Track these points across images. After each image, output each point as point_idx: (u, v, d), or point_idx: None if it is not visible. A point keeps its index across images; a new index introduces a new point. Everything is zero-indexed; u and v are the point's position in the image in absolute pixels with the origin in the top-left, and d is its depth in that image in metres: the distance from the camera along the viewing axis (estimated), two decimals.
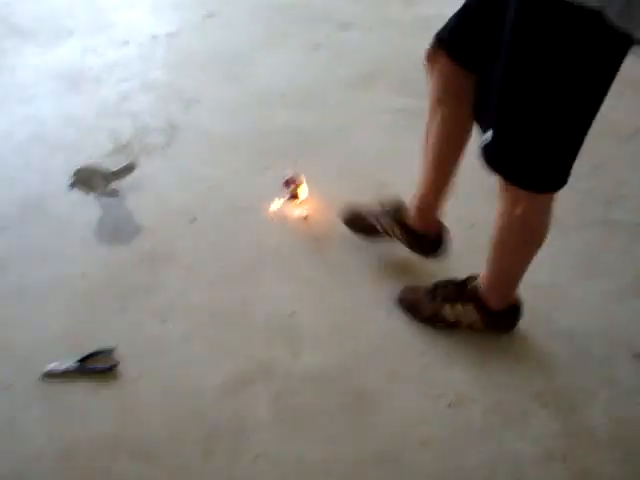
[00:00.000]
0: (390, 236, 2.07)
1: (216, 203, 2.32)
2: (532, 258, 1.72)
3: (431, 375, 1.79)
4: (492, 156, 1.54)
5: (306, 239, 2.20)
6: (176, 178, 2.43)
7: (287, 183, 2.31)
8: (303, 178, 2.31)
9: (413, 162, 2.44)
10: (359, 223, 2.14)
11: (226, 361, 1.81)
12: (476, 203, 2.30)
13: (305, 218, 2.28)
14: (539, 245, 1.69)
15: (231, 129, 2.68)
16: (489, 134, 1.51)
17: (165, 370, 1.78)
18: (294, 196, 2.30)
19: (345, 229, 2.17)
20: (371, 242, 2.15)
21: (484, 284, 1.81)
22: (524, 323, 1.89)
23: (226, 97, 2.88)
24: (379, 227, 2.08)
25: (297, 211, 2.28)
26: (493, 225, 1.69)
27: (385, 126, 2.71)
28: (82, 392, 1.72)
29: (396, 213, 2.04)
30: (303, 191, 2.31)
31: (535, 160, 1.50)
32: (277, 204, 2.29)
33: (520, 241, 1.68)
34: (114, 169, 2.43)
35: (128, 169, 2.43)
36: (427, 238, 2.02)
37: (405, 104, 2.80)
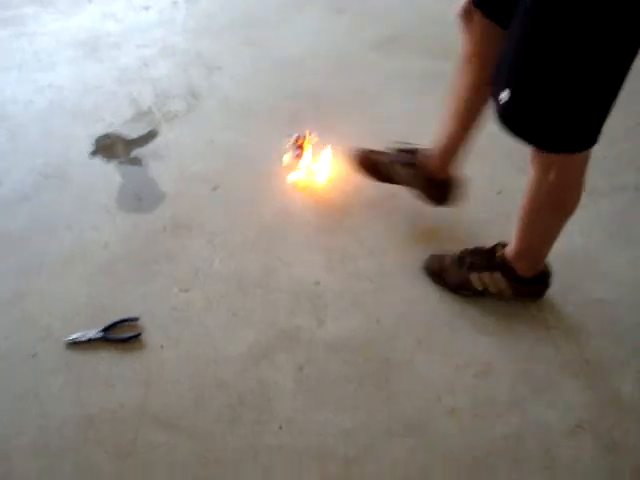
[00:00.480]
0: (400, 181, 2.06)
1: (238, 170, 2.29)
2: (563, 225, 1.68)
3: (457, 344, 1.77)
4: (508, 117, 1.48)
5: (330, 206, 2.16)
6: (197, 145, 2.40)
7: (297, 142, 2.27)
8: (312, 136, 2.27)
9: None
10: (370, 164, 2.12)
11: (250, 330, 1.79)
12: (504, 169, 2.27)
13: (319, 182, 2.24)
14: (571, 212, 1.64)
15: (252, 95, 2.64)
16: (505, 94, 1.45)
17: (189, 339, 1.77)
18: (300, 148, 2.25)
19: (370, 193, 2.14)
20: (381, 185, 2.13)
21: (513, 252, 1.77)
22: (553, 291, 1.85)
23: (247, 63, 2.83)
24: (391, 170, 2.06)
25: (317, 176, 2.24)
26: (524, 191, 1.64)
27: (410, 90, 2.65)
28: (106, 361, 1.72)
29: (412, 157, 2.01)
30: (309, 148, 2.26)
31: (555, 120, 1.43)
32: (287, 158, 2.25)
33: (552, 208, 1.63)
34: (135, 136, 2.42)
35: (149, 136, 2.41)
36: (440, 185, 2.00)
37: (430, 68, 2.74)
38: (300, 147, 2.24)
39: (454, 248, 1.93)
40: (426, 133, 2.31)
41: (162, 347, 1.75)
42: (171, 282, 1.91)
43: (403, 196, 2.17)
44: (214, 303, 1.86)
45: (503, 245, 1.82)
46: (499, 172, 2.26)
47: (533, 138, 1.49)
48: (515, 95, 1.44)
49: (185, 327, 1.80)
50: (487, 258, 1.83)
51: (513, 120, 1.48)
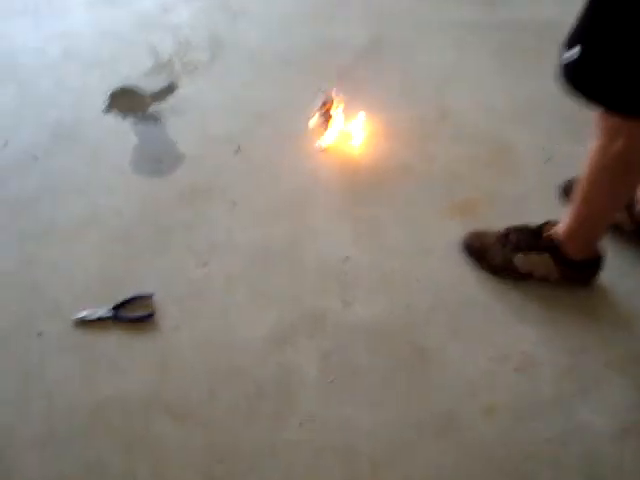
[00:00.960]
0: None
1: (263, 130, 2.13)
2: (624, 202, 1.51)
3: (497, 333, 1.62)
4: (577, 75, 1.31)
5: (361, 173, 1.99)
6: (220, 101, 2.24)
7: (324, 104, 2.10)
8: (341, 98, 2.09)
9: (482, 84, 2.24)
10: None
11: (272, 310, 1.66)
12: (553, 134, 2.08)
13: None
14: (635, 187, 1.48)
15: (281, 45, 2.45)
16: (575, 50, 1.28)
17: (206, 319, 1.65)
18: (327, 113, 2.08)
19: (404, 158, 1.97)
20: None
21: (565, 230, 1.61)
22: (604, 277, 1.68)
23: (276, 9, 2.64)
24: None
25: (348, 140, 2.07)
26: (585, 162, 1.47)
27: (451, 42, 2.44)
28: (116, 343, 1.60)
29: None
30: (338, 111, 2.08)
31: (630, 78, 1.26)
32: (314, 121, 2.09)
33: (614, 181, 1.45)
34: (153, 90, 2.25)
35: (169, 90, 2.26)
36: None
37: (473, 16, 2.53)
38: (327, 112, 2.07)
39: (497, 223, 1.77)
40: (469, 92, 2.14)
41: (176, 328, 1.63)
42: (188, 254, 1.78)
43: (441, 162, 2.00)
44: (234, 279, 1.73)
45: (553, 224, 1.65)
46: (548, 137, 2.07)
47: (603, 98, 1.31)
48: (587, 51, 1.27)
49: (202, 306, 1.67)
50: (534, 237, 1.67)
51: (582, 79, 1.31)
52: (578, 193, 1.53)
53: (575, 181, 1.87)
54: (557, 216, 1.65)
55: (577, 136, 1.98)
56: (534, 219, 1.71)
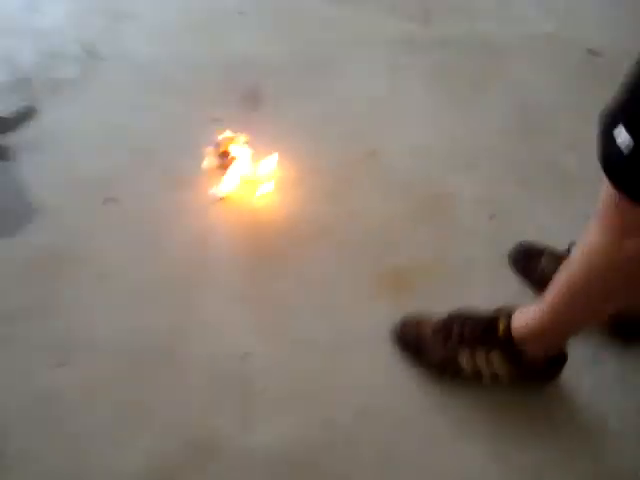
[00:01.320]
0: None
1: (145, 172, 1.75)
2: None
3: (438, 456, 1.29)
4: (620, 169, 0.99)
5: (267, 233, 1.64)
6: (92, 132, 1.86)
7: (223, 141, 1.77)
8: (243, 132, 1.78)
9: (416, 118, 1.97)
10: None
11: (146, 435, 1.28)
12: (500, 182, 1.79)
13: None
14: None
15: (172, 60, 2.09)
16: (625, 137, 0.95)
17: (57, 450, 1.25)
18: (226, 152, 1.75)
19: (321, 214, 1.64)
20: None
21: (529, 327, 1.29)
22: (566, 372, 1.38)
23: (170, 14, 2.28)
24: None
25: (251, 191, 1.72)
26: (577, 257, 1.15)
27: (380, 62, 2.14)
28: None
29: None
30: (240, 149, 1.75)
31: None
32: (208, 162, 1.75)
33: (617, 286, 1.14)
34: (4, 115, 1.87)
35: (25, 116, 1.88)
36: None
37: (406, 31, 2.25)
38: (226, 151, 1.73)
39: (436, 299, 1.49)
40: (400, 127, 1.86)
41: (16, 464, 1.22)
42: (36, 353, 1.39)
43: (366, 218, 1.68)
44: (96, 389, 1.34)
45: (507, 312, 1.33)
46: (493, 187, 1.77)
47: None
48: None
49: (52, 429, 1.27)
50: (483, 330, 1.34)
51: (626, 174, 0.99)
52: (560, 290, 1.21)
53: (526, 247, 1.59)
54: (506, 288, 1.47)
55: (527, 186, 1.74)
56: (479, 293, 1.49)
